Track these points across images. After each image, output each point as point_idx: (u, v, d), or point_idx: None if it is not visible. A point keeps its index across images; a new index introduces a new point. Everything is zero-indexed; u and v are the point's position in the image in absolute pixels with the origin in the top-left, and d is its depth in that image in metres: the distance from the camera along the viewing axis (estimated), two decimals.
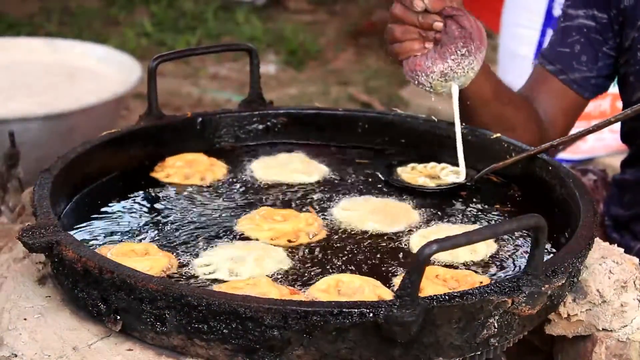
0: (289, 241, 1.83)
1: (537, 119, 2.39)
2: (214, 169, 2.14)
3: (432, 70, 2.06)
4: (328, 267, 1.74)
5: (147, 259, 1.71)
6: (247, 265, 1.71)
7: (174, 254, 1.77)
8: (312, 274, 1.71)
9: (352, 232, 1.88)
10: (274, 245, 1.81)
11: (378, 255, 1.79)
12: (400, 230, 1.89)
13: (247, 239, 1.84)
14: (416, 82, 2.09)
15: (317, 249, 1.81)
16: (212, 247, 1.80)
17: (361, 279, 1.66)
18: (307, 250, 1.81)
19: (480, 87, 2.19)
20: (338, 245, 1.83)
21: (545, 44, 2.50)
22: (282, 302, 1.46)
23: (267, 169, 2.19)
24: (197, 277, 1.68)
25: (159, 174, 2.11)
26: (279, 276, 1.70)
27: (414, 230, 1.90)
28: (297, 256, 1.78)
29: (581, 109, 2.46)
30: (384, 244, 1.84)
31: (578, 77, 2.38)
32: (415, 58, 2.08)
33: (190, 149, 2.22)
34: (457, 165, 2.16)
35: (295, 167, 2.19)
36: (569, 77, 2.39)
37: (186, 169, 2.12)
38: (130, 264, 1.61)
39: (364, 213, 1.95)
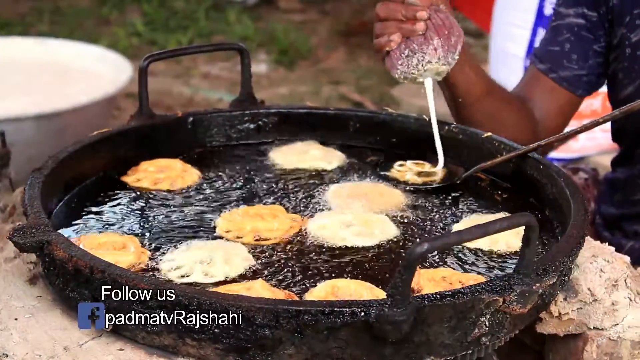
0: (237, 237, 1.84)
1: (531, 118, 2.40)
2: (184, 176, 2.12)
3: (410, 60, 2.05)
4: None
5: (111, 254, 1.71)
6: (217, 265, 1.71)
7: (151, 251, 1.77)
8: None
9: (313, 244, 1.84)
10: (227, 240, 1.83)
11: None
12: (371, 245, 1.84)
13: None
14: (396, 73, 2.08)
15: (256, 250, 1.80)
16: (176, 248, 1.79)
17: (356, 282, 1.66)
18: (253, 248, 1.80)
19: (471, 85, 2.21)
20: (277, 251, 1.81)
21: (537, 43, 2.51)
22: (274, 302, 1.46)
23: (286, 156, 2.23)
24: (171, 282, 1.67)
25: (129, 177, 2.10)
26: (250, 273, 1.71)
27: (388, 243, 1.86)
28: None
29: (575, 106, 2.47)
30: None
31: (568, 75, 2.38)
32: (394, 51, 2.06)
33: (181, 149, 2.22)
34: (446, 164, 2.17)
35: (315, 154, 2.23)
36: (559, 75, 2.39)
37: (157, 174, 2.10)
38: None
39: (339, 223, 1.91)
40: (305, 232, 1.87)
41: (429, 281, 1.66)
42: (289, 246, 1.82)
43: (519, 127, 2.36)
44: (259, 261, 1.75)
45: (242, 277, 1.69)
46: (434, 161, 2.19)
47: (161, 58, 2.26)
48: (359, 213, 1.94)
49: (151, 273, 1.69)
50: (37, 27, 7.03)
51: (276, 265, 1.74)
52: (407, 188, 2.10)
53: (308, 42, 7.05)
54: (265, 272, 1.71)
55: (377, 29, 2.09)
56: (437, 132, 2.15)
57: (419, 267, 1.71)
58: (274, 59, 6.74)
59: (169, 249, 1.78)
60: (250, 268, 1.72)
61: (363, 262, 1.77)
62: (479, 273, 1.73)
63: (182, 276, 1.68)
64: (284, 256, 1.78)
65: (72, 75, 4.69)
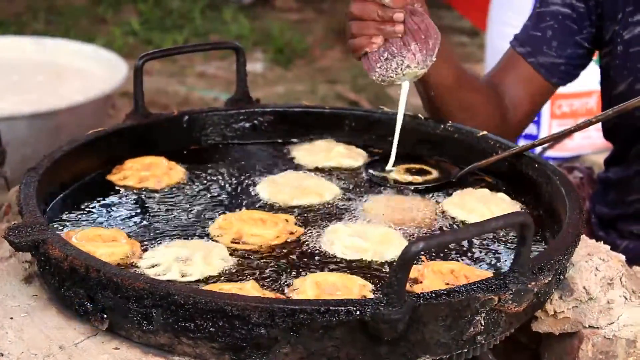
0: (218, 236, 1.84)
1: (501, 104, 2.39)
2: (170, 173, 2.11)
3: (389, 63, 2.03)
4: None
5: (108, 245, 1.72)
6: (195, 264, 1.70)
7: (141, 243, 1.78)
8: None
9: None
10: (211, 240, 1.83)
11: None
12: (352, 259, 1.79)
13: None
14: (374, 76, 2.07)
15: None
16: (156, 245, 1.79)
17: (334, 275, 1.67)
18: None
19: (442, 77, 2.20)
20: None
21: (520, 29, 2.50)
22: (269, 301, 1.46)
23: (311, 155, 2.24)
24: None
25: (115, 176, 2.09)
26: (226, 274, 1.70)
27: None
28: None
29: (548, 95, 2.46)
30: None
31: (546, 61, 2.38)
32: (372, 53, 2.05)
33: (176, 148, 2.22)
34: (442, 162, 2.18)
35: (340, 152, 2.24)
36: (537, 61, 2.38)
37: (142, 172, 2.09)
38: (92, 249, 1.64)
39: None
40: (292, 241, 1.84)
41: (434, 273, 1.66)
42: (271, 251, 1.79)
43: (490, 115, 2.35)
44: (238, 262, 1.74)
45: (219, 277, 1.68)
46: (429, 160, 2.20)
47: (157, 57, 2.26)
48: (384, 229, 1.89)
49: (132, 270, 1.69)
50: (33, 26, 7.02)
51: (254, 267, 1.73)
52: (401, 187, 2.11)
53: (304, 41, 7.05)
54: (244, 273, 1.71)
55: (353, 28, 2.06)
56: (398, 133, 2.16)
57: (426, 259, 1.73)
58: (269, 58, 6.73)
59: (152, 246, 1.79)
60: (227, 269, 1.71)
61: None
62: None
63: (159, 274, 1.67)
64: (263, 259, 1.76)
65: (67, 74, 4.69)
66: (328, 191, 2.05)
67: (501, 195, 2.03)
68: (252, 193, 2.06)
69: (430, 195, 2.07)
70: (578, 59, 2.39)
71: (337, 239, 1.82)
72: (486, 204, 1.97)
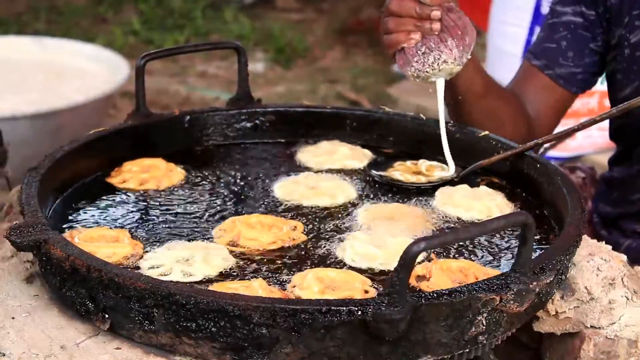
0: (218, 237, 1.84)
1: (525, 114, 2.40)
2: (170, 175, 2.11)
3: (426, 57, 2.05)
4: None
5: (109, 246, 1.72)
6: (197, 264, 1.70)
7: (144, 244, 1.78)
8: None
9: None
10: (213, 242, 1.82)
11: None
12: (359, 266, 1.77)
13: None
14: (410, 71, 2.08)
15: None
16: (157, 247, 1.79)
17: (334, 271, 1.68)
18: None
19: (471, 83, 2.21)
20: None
21: (533, 41, 2.51)
22: (270, 300, 1.46)
23: (317, 157, 2.23)
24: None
25: (115, 179, 2.08)
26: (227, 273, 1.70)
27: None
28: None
29: (569, 103, 2.47)
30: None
31: (564, 72, 2.39)
32: (409, 48, 2.07)
33: (177, 148, 2.22)
34: (442, 161, 2.17)
35: (345, 153, 2.24)
36: (555, 72, 2.40)
37: (142, 175, 2.09)
38: (93, 249, 1.64)
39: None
40: (291, 247, 1.82)
41: (442, 271, 1.66)
42: (270, 254, 1.79)
43: (516, 125, 2.36)
44: (238, 263, 1.74)
45: (221, 277, 1.68)
46: (432, 160, 2.20)
47: (158, 57, 2.25)
48: (404, 239, 1.83)
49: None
50: (34, 25, 7.03)
51: (254, 267, 1.73)
52: (403, 187, 2.10)
53: (305, 41, 7.05)
54: (245, 273, 1.70)
55: (390, 24, 2.08)
56: (445, 133, 2.16)
57: (435, 257, 1.73)
58: (270, 58, 6.74)
59: (153, 247, 1.79)
60: (228, 269, 1.71)
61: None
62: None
63: (161, 275, 1.67)
64: (263, 260, 1.75)
65: (68, 74, 4.70)
66: (342, 193, 2.05)
67: (483, 188, 2.05)
68: (254, 193, 2.06)
69: (432, 194, 2.07)
70: (595, 66, 2.40)
71: (350, 246, 1.80)
72: (479, 200, 1.99)
